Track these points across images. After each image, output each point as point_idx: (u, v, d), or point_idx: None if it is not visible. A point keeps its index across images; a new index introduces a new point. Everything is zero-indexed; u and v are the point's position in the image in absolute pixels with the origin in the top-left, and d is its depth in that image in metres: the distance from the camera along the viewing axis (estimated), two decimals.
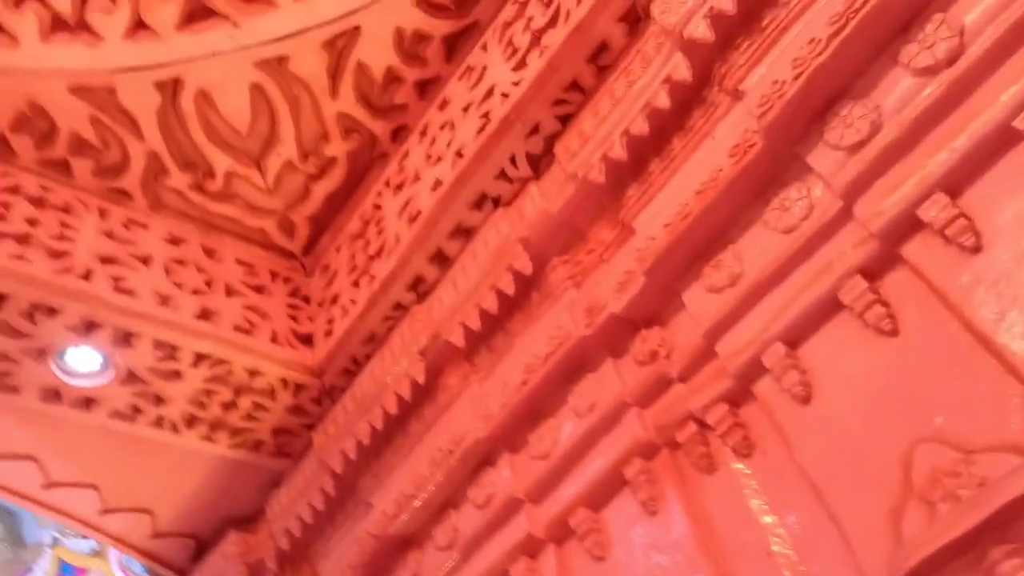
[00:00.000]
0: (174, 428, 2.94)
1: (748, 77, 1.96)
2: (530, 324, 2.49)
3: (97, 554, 8.66)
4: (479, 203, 2.60)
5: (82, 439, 2.93)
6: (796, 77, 1.82)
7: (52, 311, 2.50)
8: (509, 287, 2.53)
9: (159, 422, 2.91)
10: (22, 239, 2.50)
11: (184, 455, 3.08)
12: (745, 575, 1.79)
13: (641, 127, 2.21)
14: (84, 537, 8.61)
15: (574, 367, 2.31)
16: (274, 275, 3.14)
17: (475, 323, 2.60)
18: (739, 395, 1.94)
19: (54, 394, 2.73)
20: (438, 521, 2.63)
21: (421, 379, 2.71)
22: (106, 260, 2.63)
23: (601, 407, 2.17)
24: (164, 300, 2.68)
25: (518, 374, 2.41)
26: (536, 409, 2.39)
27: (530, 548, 2.26)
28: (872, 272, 1.74)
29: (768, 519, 1.80)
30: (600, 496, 2.15)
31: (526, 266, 2.48)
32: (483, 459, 2.53)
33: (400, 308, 2.81)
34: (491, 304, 2.57)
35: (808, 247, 1.83)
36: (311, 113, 2.82)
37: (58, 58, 2.44)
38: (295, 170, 2.95)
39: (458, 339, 2.64)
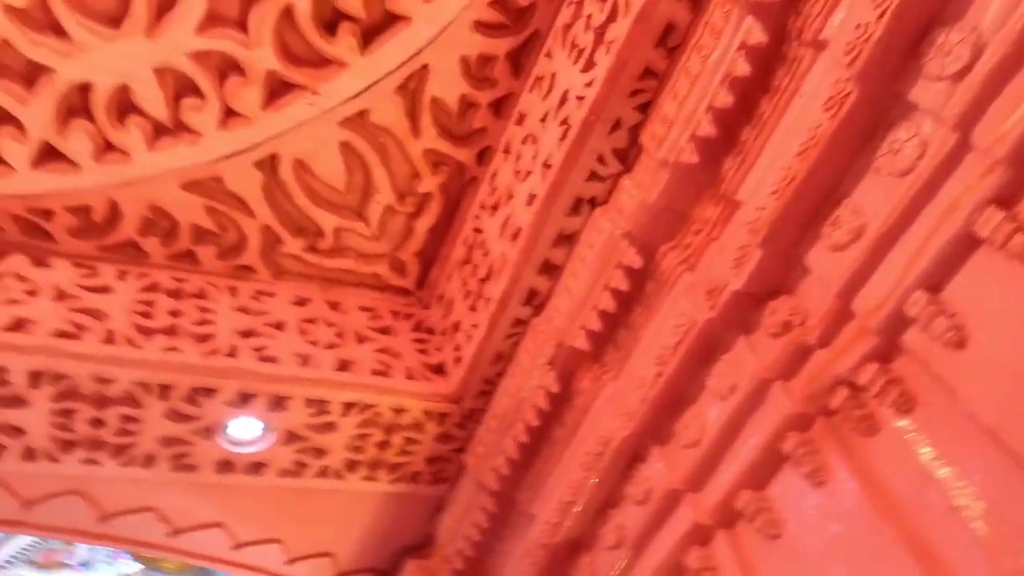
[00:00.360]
0: (338, 475, 3.12)
1: (827, 25, 1.89)
2: (651, 316, 2.49)
3: None
4: (576, 208, 2.61)
5: (259, 500, 3.16)
6: (880, 16, 1.74)
7: (210, 391, 2.71)
8: (622, 283, 2.54)
9: (323, 472, 3.10)
10: (170, 331, 2.71)
11: (351, 497, 3.27)
12: (930, 533, 1.74)
13: (725, 99, 2.17)
14: None
15: (706, 351, 2.29)
16: (395, 314, 3.28)
17: (596, 325, 2.63)
18: (887, 351, 1.87)
19: (227, 465, 2.96)
20: (602, 522, 2.68)
21: (555, 388, 2.76)
22: (246, 334, 2.82)
23: (743, 386, 2.15)
24: (304, 360, 2.84)
25: (651, 367, 2.42)
26: (676, 398, 2.39)
27: (700, 536, 2.27)
28: (1006, 199, 1.65)
29: (943, 472, 1.74)
30: (761, 475, 2.14)
31: (635, 260, 2.49)
32: (633, 456, 2.56)
33: (520, 324, 2.87)
34: (608, 304, 2.59)
35: (930, 186, 1.75)
36: (399, 157, 2.91)
37: (166, 161, 2.63)
38: (395, 213, 3.06)
39: (582, 343, 2.67)
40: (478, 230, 3.05)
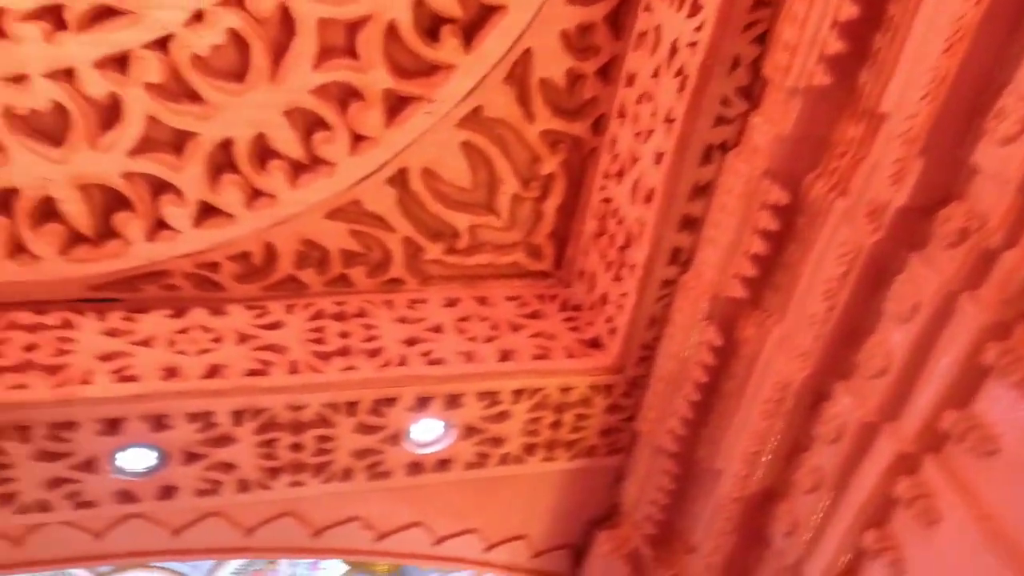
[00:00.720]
0: (518, 460, 3.23)
1: None
2: (808, 250, 2.41)
3: None
4: (707, 156, 2.56)
5: (451, 495, 3.31)
6: None
7: (391, 401, 2.86)
8: (771, 223, 2.46)
9: (505, 459, 3.21)
10: (343, 352, 2.88)
11: (535, 479, 3.37)
12: None
13: (849, 10, 2.05)
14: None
15: (877, 275, 2.20)
16: (541, 298, 3.33)
17: (750, 270, 2.57)
18: None
19: (416, 467, 3.12)
20: (794, 467, 2.63)
21: (718, 342, 2.73)
22: (410, 342, 2.95)
23: (927, 304, 2.04)
24: (469, 357, 2.94)
25: (819, 303, 2.35)
26: (852, 330, 2.31)
27: (906, 465, 2.19)
28: None
29: None
30: (963, 392, 2.03)
31: (780, 196, 2.41)
32: (816, 396, 2.49)
33: (669, 284, 2.85)
34: (759, 247, 2.52)
35: None
36: (517, 144, 2.95)
37: (309, 196, 2.79)
38: (522, 200, 3.11)
39: (738, 292, 2.62)
40: (607, 200, 3.04)
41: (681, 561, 3.31)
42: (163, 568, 9.91)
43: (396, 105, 2.69)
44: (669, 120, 2.55)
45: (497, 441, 3.14)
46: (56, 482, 2.71)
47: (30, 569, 3.18)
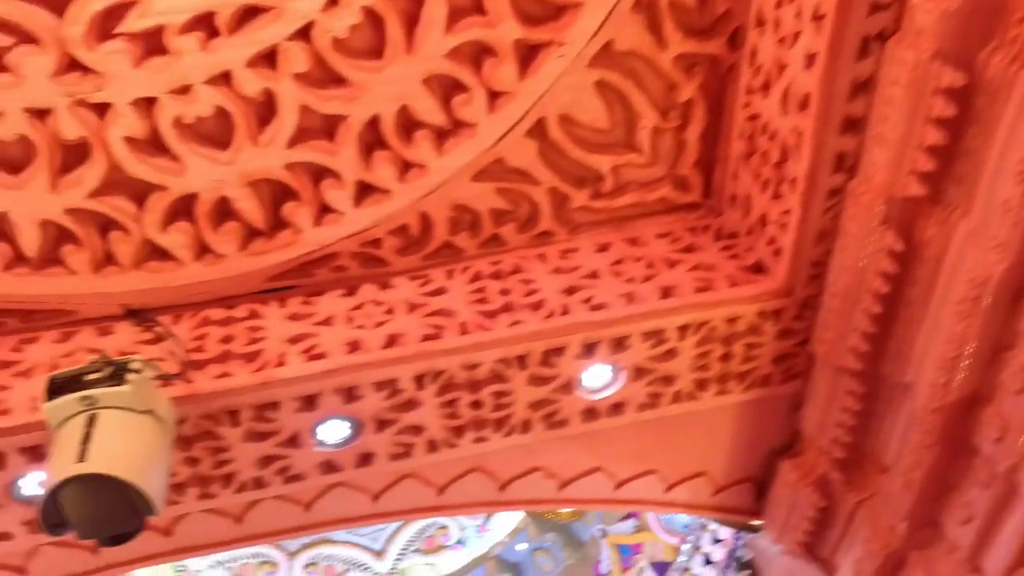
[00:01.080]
0: (691, 397, 3.19)
1: None
2: (992, 132, 2.21)
3: (640, 529, 9.71)
4: (864, 48, 2.39)
5: (627, 438, 3.33)
6: None
7: (559, 350, 2.90)
8: (946, 109, 2.27)
9: (677, 397, 3.18)
10: (507, 308, 2.94)
11: (710, 415, 3.33)
12: None
13: None
14: (625, 519, 9.76)
15: None
16: (692, 230, 3.26)
17: (926, 164, 2.39)
18: None
19: (591, 413, 3.15)
20: (999, 368, 2.45)
21: (899, 247, 2.57)
22: (570, 291, 2.97)
23: None
24: (629, 298, 2.93)
25: (1013, 187, 2.15)
26: None
27: None
28: None
29: None
30: None
31: (954, 78, 2.21)
32: (1018, 289, 2.30)
33: (835, 194, 2.70)
34: (934, 137, 2.33)
35: None
36: (652, 75, 2.87)
37: (455, 160, 2.84)
38: (662, 132, 3.04)
39: (915, 189, 2.45)
40: (753, 116, 2.92)
41: (875, 482, 3.18)
42: (347, 542, 10.63)
43: (527, 55, 2.68)
44: (817, 17, 2.39)
45: (667, 380, 3.12)
46: (267, 460, 2.94)
47: (250, 543, 3.50)
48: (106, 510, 2.28)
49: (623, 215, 3.22)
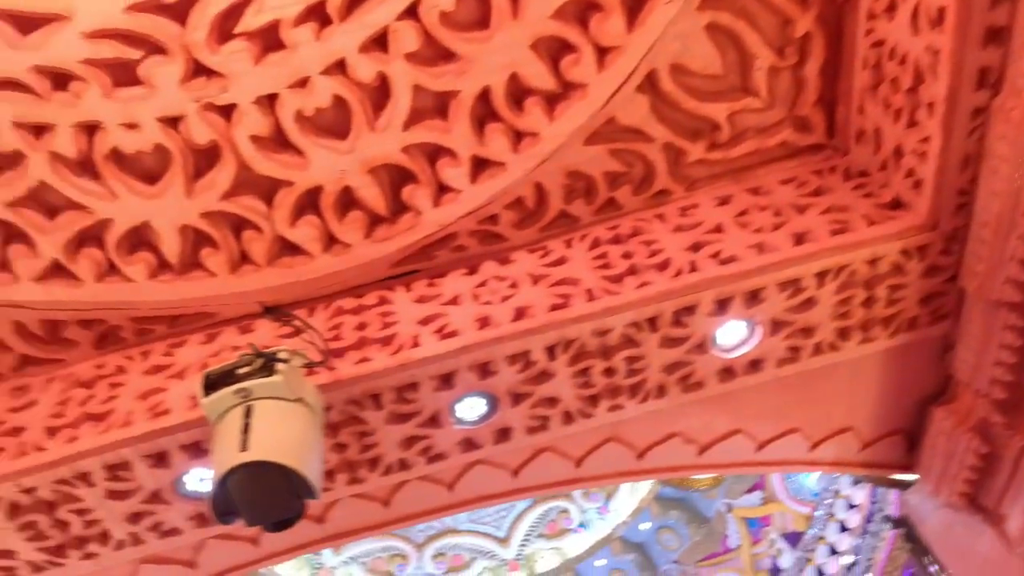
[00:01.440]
0: (833, 347, 3.05)
1: None
2: None
3: (767, 501, 9.44)
4: None
5: (767, 396, 3.21)
6: None
7: (690, 309, 2.82)
8: None
9: (818, 349, 3.05)
10: (632, 271, 2.88)
11: (853, 365, 3.17)
12: None
13: None
14: (749, 492, 9.51)
15: None
16: (818, 173, 3.10)
17: None
18: None
19: (728, 372, 3.06)
20: None
21: None
22: (695, 247, 2.88)
23: None
24: (760, 248, 2.82)
25: None
26: None
27: None
28: None
29: None
30: None
31: None
32: None
33: (980, 113, 2.51)
34: None
35: None
36: (764, 11, 2.76)
37: (567, 124, 2.81)
38: (779, 71, 2.91)
39: None
40: (878, 43, 2.74)
41: None
42: (472, 531, 10.80)
43: (634, 5, 2.61)
44: None
45: (807, 331, 2.98)
46: (410, 441, 2.99)
47: (398, 525, 3.57)
48: (270, 496, 2.36)
49: (742, 165, 3.10)
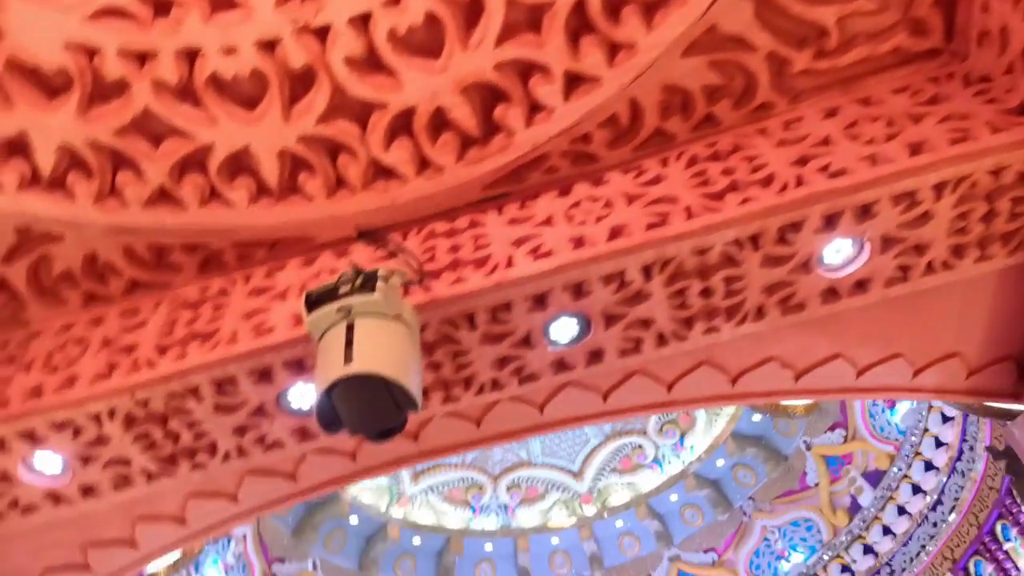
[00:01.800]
0: (946, 266, 2.90)
1: None
2: None
3: (849, 439, 9.26)
4: None
5: (870, 319, 3.09)
6: None
7: (796, 225, 2.71)
8: None
9: (930, 268, 2.91)
10: (734, 187, 2.77)
11: (965, 286, 3.02)
12: None
13: None
14: (831, 430, 9.35)
15: None
16: (934, 80, 2.91)
17: None
18: None
19: (831, 293, 2.95)
20: None
21: None
22: (802, 161, 2.76)
23: None
24: (872, 160, 2.67)
25: None
26: None
27: None
28: None
29: None
30: None
31: None
32: None
33: None
34: None
35: None
36: None
37: (666, 34, 2.70)
38: None
39: None
40: None
41: None
42: (547, 465, 10.98)
43: None
44: None
45: (920, 248, 2.84)
46: (503, 361, 3.01)
47: (487, 444, 3.63)
48: (372, 407, 2.42)
49: (851, 74, 2.93)
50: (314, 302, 2.58)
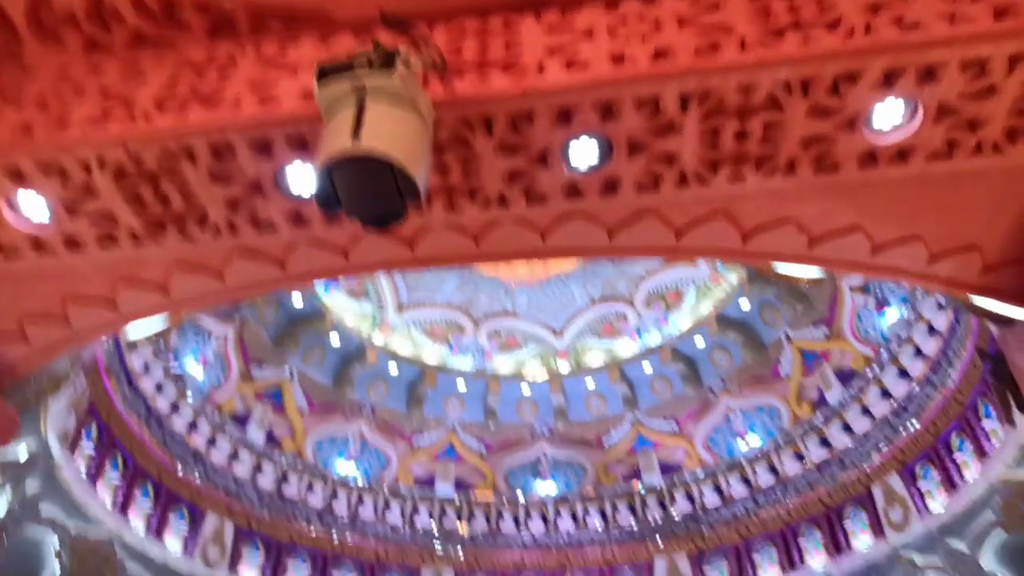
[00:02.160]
0: (996, 148, 2.73)
1: None
2: None
3: (832, 338, 9.34)
4: None
5: (900, 194, 2.96)
6: None
7: (853, 77, 2.51)
8: None
9: (978, 149, 2.74)
10: (796, 25, 2.54)
11: (1009, 175, 2.87)
12: None
13: None
14: (814, 325, 9.41)
15: None
16: None
17: None
18: None
19: (870, 158, 2.79)
20: None
21: None
22: (875, 8, 2.51)
23: None
24: (952, 18, 2.43)
25: None
26: None
27: None
28: None
29: None
30: None
31: None
32: None
33: None
34: None
35: None
36: None
37: None
38: None
39: None
40: None
41: None
42: (531, 319, 11.09)
43: None
44: None
45: (974, 124, 2.66)
46: (513, 175, 2.87)
47: (482, 262, 3.56)
48: (374, 190, 2.29)
49: None
50: (326, 75, 2.40)
